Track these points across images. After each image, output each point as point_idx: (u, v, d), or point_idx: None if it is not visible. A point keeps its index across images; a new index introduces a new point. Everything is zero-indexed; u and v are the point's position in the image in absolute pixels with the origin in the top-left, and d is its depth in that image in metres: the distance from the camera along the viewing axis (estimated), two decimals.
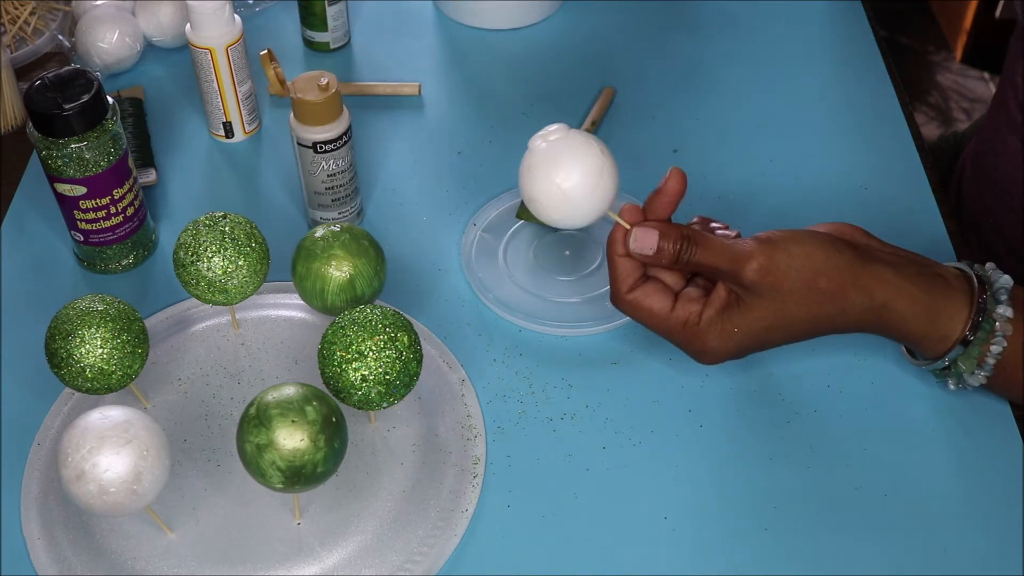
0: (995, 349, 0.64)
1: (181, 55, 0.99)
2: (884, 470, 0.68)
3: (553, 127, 0.63)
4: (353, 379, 0.62)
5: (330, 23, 0.98)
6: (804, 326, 0.64)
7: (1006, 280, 0.65)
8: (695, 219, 0.68)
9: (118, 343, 0.64)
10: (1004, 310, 0.64)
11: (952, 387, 0.68)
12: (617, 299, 0.66)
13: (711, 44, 1.01)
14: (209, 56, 0.86)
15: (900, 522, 0.66)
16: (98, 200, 0.76)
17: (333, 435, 0.59)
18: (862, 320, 0.64)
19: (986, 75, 2.25)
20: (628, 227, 0.64)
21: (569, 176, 0.62)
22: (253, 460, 0.58)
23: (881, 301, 0.63)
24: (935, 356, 0.66)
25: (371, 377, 0.62)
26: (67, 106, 0.71)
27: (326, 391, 0.62)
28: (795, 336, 0.65)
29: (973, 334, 0.64)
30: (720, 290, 0.64)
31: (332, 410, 0.60)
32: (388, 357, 0.62)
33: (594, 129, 0.90)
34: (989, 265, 0.66)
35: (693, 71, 0.99)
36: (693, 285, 0.67)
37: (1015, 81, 0.86)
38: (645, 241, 0.63)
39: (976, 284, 0.65)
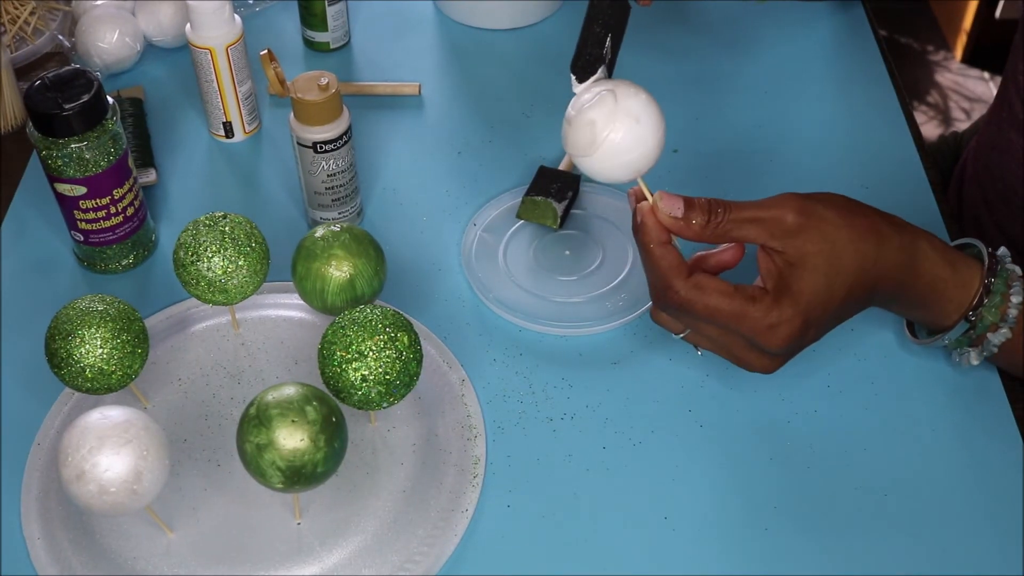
0: (1016, 299, 0.65)
1: (181, 55, 0.99)
2: (884, 470, 0.68)
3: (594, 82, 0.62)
4: (353, 379, 0.62)
5: (330, 23, 0.98)
6: (856, 267, 0.62)
7: (1004, 250, 0.67)
8: None
9: (118, 343, 0.64)
10: (1014, 268, 0.66)
11: (974, 359, 0.68)
12: (675, 289, 0.61)
13: (711, 44, 1.01)
14: (209, 56, 0.86)
15: (900, 522, 0.66)
16: (98, 200, 0.76)
17: (333, 435, 0.59)
18: (899, 261, 0.63)
19: (986, 75, 2.25)
20: (649, 196, 0.62)
21: (627, 120, 0.60)
22: (253, 460, 0.58)
23: (910, 238, 0.64)
24: (957, 311, 0.66)
25: (371, 377, 0.62)
26: (67, 106, 0.71)
27: (326, 391, 0.62)
28: (852, 284, 0.62)
29: (991, 278, 0.65)
30: (765, 263, 0.62)
31: (332, 410, 0.60)
32: (388, 357, 0.62)
33: None
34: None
35: (693, 71, 0.99)
36: None
37: (1018, 79, 0.86)
38: (671, 201, 0.62)
39: (982, 246, 0.67)
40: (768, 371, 0.64)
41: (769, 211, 0.61)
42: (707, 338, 0.64)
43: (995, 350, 0.67)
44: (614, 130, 0.60)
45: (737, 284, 0.62)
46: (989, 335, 0.66)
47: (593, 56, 0.63)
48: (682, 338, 0.66)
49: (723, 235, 0.62)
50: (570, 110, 0.62)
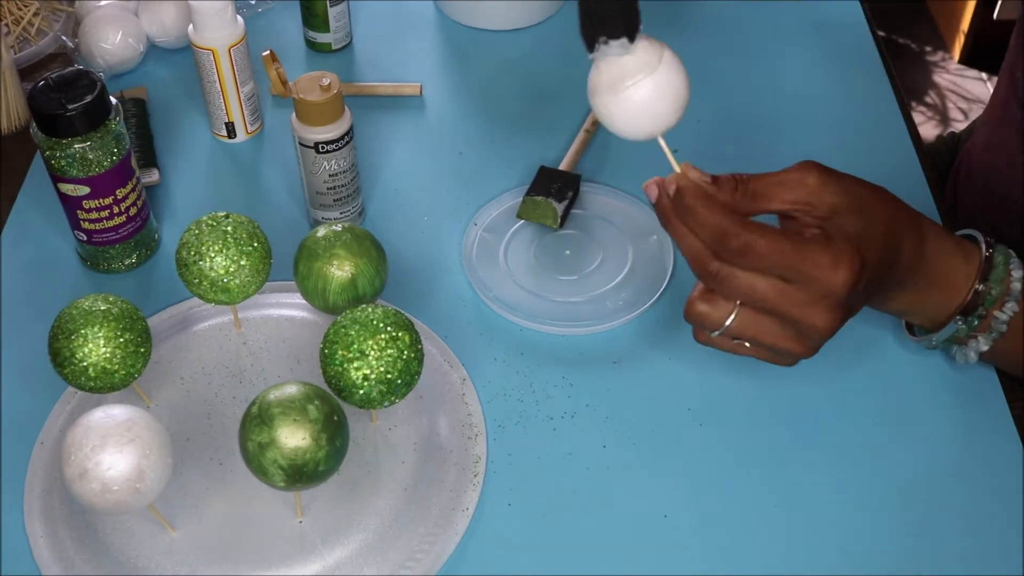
0: (1017, 273, 0.66)
1: (184, 56, 1.00)
2: (884, 470, 0.68)
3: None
4: (355, 378, 0.62)
5: (332, 24, 0.99)
6: (885, 217, 0.61)
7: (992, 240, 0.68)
8: None
9: (121, 342, 0.64)
10: (1008, 249, 0.67)
11: (983, 346, 0.67)
12: (733, 233, 0.57)
13: (710, 44, 1.01)
14: (212, 57, 0.86)
15: (900, 522, 0.66)
16: (101, 200, 0.76)
17: (335, 434, 0.59)
18: (911, 224, 0.63)
19: (984, 75, 2.25)
20: (676, 164, 0.60)
21: (665, 69, 0.60)
22: (255, 459, 0.58)
23: (916, 213, 0.65)
24: (966, 284, 0.66)
25: (372, 376, 0.62)
26: (70, 106, 0.72)
27: (328, 390, 0.62)
28: (885, 234, 0.61)
29: (991, 251, 0.66)
30: (797, 228, 0.61)
31: (334, 409, 0.60)
32: (389, 356, 0.62)
33: (595, 130, 0.90)
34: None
35: (692, 71, 0.98)
36: None
37: (1015, 78, 0.86)
38: (696, 172, 0.60)
39: (975, 233, 0.68)
40: (831, 329, 0.59)
41: (790, 174, 0.61)
42: (758, 306, 0.59)
43: (1004, 328, 0.66)
44: (649, 75, 0.59)
45: None
46: (996, 313, 0.66)
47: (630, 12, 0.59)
48: (721, 333, 0.61)
49: (753, 199, 0.60)
50: (598, 54, 0.59)
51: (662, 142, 0.61)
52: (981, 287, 0.66)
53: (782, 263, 0.58)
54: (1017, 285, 0.66)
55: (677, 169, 0.61)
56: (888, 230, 0.61)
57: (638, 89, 0.58)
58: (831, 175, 0.61)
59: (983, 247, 0.67)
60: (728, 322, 0.60)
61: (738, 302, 0.60)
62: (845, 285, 0.58)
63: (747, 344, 0.62)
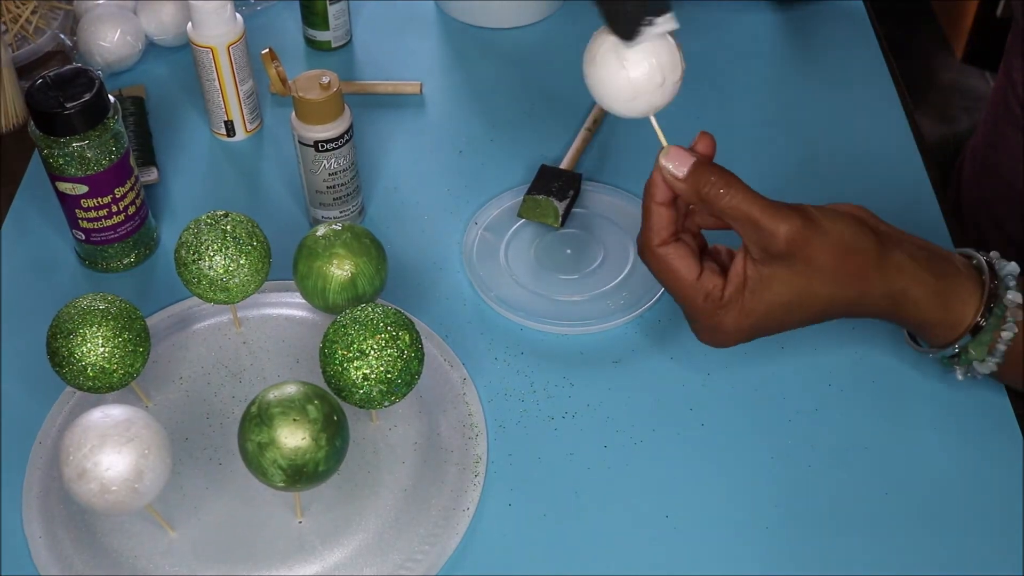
0: (1006, 335, 0.63)
1: (183, 54, 0.99)
2: (885, 469, 0.68)
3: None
4: (354, 378, 0.62)
5: (332, 22, 0.98)
6: (822, 308, 0.62)
7: (1013, 267, 0.65)
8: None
9: (119, 342, 0.64)
10: (1014, 296, 0.63)
11: (960, 376, 0.67)
12: (646, 250, 0.63)
13: (712, 44, 1.01)
14: (211, 55, 0.86)
15: (901, 521, 0.66)
16: (99, 199, 0.76)
17: (334, 434, 0.59)
18: (878, 306, 0.63)
19: (987, 74, 2.25)
20: (664, 144, 0.61)
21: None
22: (255, 459, 0.58)
23: (899, 287, 0.62)
24: (945, 343, 0.65)
25: (372, 376, 0.62)
26: (69, 105, 0.71)
27: (327, 390, 0.62)
28: (810, 318, 0.62)
29: (985, 319, 0.63)
30: (738, 267, 0.61)
31: (333, 409, 0.60)
32: (389, 356, 0.62)
33: (596, 128, 0.90)
34: (994, 253, 0.66)
35: (694, 71, 0.98)
36: (710, 260, 0.64)
37: (1014, 77, 0.86)
38: (679, 158, 0.61)
39: (986, 270, 0.64)
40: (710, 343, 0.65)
41: (770, 220, 0.59)
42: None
43: (980, 377, 0.66)
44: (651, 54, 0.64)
45: (705, 267, 0.62)
46: (975, 364, 0.65)
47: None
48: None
49: (715, 211, 0.61)
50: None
51: (654, 121, 0.63)
52: (958, 349, 0.65)
53: (675, 294, 0.63)
54: (1002, 347, 0.64)
55: (662, 140, 0.63)
56: (818, 317, 0.63)
57: (637, 67, 0.63)
58: (802, 248, 0.60)
59: (980, 307, 0.64)
60: None
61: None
62: (717, 343, 0.64)
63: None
